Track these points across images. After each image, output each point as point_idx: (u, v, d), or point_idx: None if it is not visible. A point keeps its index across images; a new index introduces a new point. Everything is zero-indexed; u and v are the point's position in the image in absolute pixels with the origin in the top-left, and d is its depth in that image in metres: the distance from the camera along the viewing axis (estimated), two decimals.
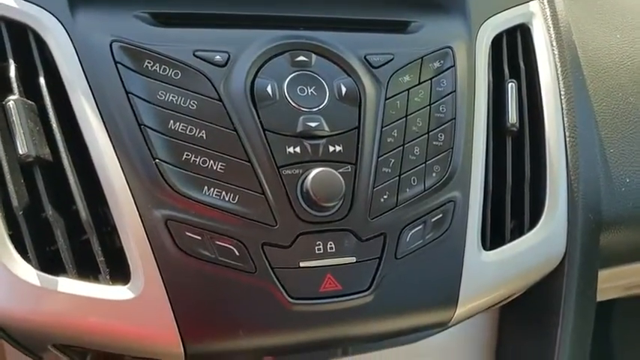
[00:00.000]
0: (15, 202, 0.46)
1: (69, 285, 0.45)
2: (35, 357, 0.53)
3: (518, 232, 0.59)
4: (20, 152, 0.46)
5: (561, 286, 0.62)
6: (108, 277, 0.47)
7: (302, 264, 0.49)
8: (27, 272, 0.45)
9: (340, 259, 0.50)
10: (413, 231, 0.52)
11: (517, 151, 0.61)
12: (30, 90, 0.49)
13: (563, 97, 0.65)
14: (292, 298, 0.48)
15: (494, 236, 0.58)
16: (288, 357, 0.58)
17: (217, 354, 0.49)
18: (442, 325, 0.55)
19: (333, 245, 0.50)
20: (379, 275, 0.51)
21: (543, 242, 0.59)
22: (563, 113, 0.64)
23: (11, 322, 0.46)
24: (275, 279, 0.48)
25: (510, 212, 0.59)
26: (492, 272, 0.56)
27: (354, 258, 0.50)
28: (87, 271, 0.47)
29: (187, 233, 0.47)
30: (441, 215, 0.53)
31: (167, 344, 0.47)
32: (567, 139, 0.63)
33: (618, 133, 0.73)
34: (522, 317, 0.67)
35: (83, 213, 0.46)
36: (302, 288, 0.49)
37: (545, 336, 0.64)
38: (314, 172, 0.48)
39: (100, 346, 0.47)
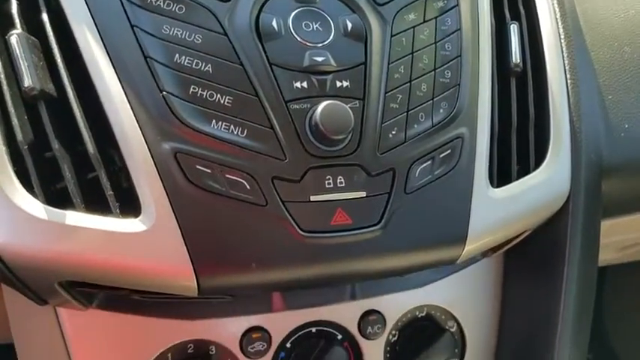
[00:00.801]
0: (19, 136, 0.45)
1: (78, 218, 0.45)
2: (40, 301, 0.52)
3: (524, 171, 0.60)
4: (24, 85, 0.45)
5: (566, 226, 0.63)
6: (118, 210, 0.46)
7: (312, 198, 0.49)
8: (33, 206, 0.44)
9: (350, 193, 0.50)
10: (422, 166, 0.52)
11: (521, 93, 0.61)
12: (33, 27, 0.48)
13: (562, 42, 0.65)
14: (304, 231, 0.48)
15: (500, 175, 0.58)
16: (298, 296, 0.58)
17: (230, 288, 0.48)
18: (451, 262, 0.55)
19: (342, 180, 0.50)
20: (389, 210, 0.50)
21: (548, 180, 0.59)
22: (563, 56, 0.64)
23: (17, 259, 0.45)
24: (286, 212, 0.48)
25: (516, 152, 0.59)
26: (500, 208, 0.56)
27: (364, 193, 0.50)
28: (95, 207, 0.46)
29: (197, 166, 0.46)
30: (449, 151, 0.53)
31: (180, 278, 0.46)
32: (568, 82, 0.64)
33: (616, 81, 0.73)
34: (527, 262, 0.67)
35: (90, 147, 0.46)
36: (313, 221, 0.49)
37: (551, 278, 0.64)
38: (322, 104, 0.48)
39: (110, 281, 0.47)
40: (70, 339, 0.54)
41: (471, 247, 0.54)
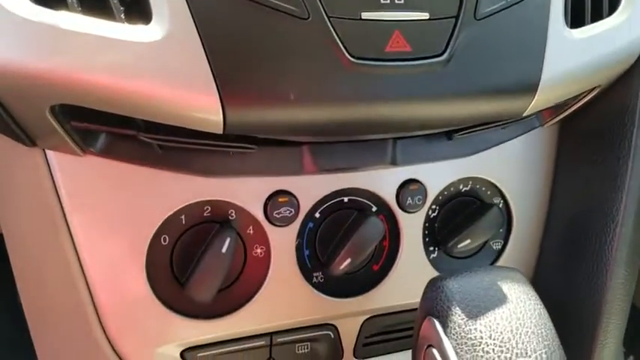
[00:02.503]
0: None
1: (75, 21, 0.35)
2: (27, 141, 0.43)
3: (598, 16, 0.51)
4: None
5: (637, 89, 0.54)
6: (122, 16, 0.36)
7: (364, 15, 0.39)
8: (19, 5, 0.34)
9: (410, 13, 0.40)
10: None
11: None
12: None
13: None
14: (353, 56, 0.39)
15: (574, 19, 0.49)
16: (332, 156, 0.50)
17: (262, 125, 0.40)
18: (517, 114, 0.47)
19: None
20: (455, 37, 0.41)
21: (623, 25, 0.50)
22: None
23: (4, 78, 0.36)
24: (332, 29, 0.38)
25: None
26: (577, 51, 0.47)
27: (427, 14, 0.41)
28: (94, 14, 0.37)
29: None
30: None
31: (202, 106, 0.37)
32: None
33: None
34: (586, 135, 0.59)
35: None
36: (364, 45, 0.39)
37: (614, 155, 0.56)
38: None
39: (111, 104, 0.37)
40: (62, 191, 0.46)
41: (542, 95, 0.46)
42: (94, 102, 0.37)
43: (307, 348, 0.58)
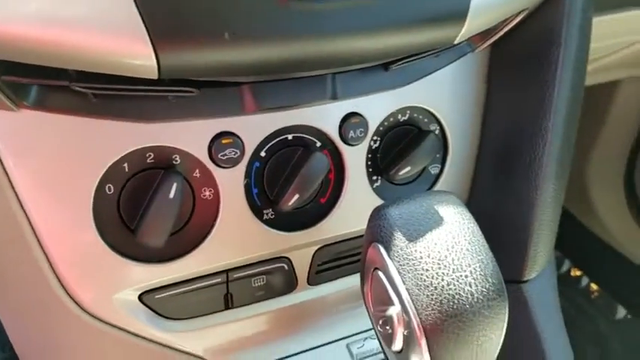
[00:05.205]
0: None
1: None
2: None
3: None
4: None
5: (563, 11, 0.56)
6: None
7: None
8: None
9: None
10: None
11: None
12: None
13: None
14: None
15: None
16: (272, 94, 0.50)
17: (197, 67, 0.39)
18: (449, 42, 0.48)
19: None
20: None
21: None
22: None
23: None
24: None
25: None
26: None
27: None
28: None
29: None
30: None
31: (133, 51, 0.36)
32: None
33: None
34: (516, 58, 0.61)
35: None
36: None
37: (542, 74, 0.59)
38: None
39: (38, 58, 0.36)
40: (0, 147, 0.44)
41: (472, 21, 0.47)
42: (19, 55, 0.36)
43: (263, 281, 0.61)
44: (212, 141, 0.51)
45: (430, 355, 0.42)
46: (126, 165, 0.49)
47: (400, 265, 0.44)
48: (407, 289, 0.43)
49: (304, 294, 0.63)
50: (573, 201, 1.77)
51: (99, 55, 0.37)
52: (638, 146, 1.54)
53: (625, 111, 1.45)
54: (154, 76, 0.38)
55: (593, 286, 1.88)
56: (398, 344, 0.44)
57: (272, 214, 0.58)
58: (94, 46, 0.36)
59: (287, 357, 0.62)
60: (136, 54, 0.37)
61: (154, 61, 0.37)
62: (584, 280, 1.89)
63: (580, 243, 1.81)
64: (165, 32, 0.37)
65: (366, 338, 0.64)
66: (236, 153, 0.52)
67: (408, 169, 0.61)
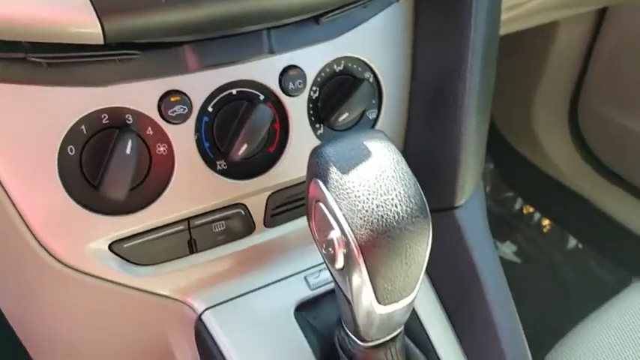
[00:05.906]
0: None
1: None
2: None
3: None
4: None
5: None
6: None
7: None
8: None
9: None
10: None
11: None
12: None
13: None
14: None
15: None
16: (214, 52, 0.55)
17: (139, 31, 0.44)
18: None
19: None
20: None
21: None
22: None
23: None
24: None
25: None
26: None
27: None
28: None
29: None
30: None
31: (79, 21, 0.41)
32: None
33: None
34: (436, 4, 0.68)
35: None
36: None
37: (459, 14, 0.65)
38: None
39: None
40: None
41: None
42: None
43: (223, 226, 0.66)
44: (161, 99, 0.56)
45: (367, 268, 0.49)
46: (84, 127, 0.54)
47: (337, 195, 0.50)
48: (343, 215, 0.49)
49: (262, 235, 0.70)
50: (522, 142, 1.87)
51: (50, 26, 0.41)
52: (579, 85, 1.63)
53: (565, 51, 1.52)
54: (100, 41, 0.43)
55: (545, 221, 2.01)
56: (340, 262, 0.51)
57: (225, 165, 0.63)
58: (45, 18, 0.40)
59: (250, 291, 0.68)
60: (82, 23, 0.41)
61: (99, 28, 0.41)
62: (536, 216, 2.01)
63: (530, 181, 1.92)
64: (108, 1, 0.41)
65: (320, 270, 0.71)
66: (184, 109, 0.57)
67: (346, 115, 0.67)
